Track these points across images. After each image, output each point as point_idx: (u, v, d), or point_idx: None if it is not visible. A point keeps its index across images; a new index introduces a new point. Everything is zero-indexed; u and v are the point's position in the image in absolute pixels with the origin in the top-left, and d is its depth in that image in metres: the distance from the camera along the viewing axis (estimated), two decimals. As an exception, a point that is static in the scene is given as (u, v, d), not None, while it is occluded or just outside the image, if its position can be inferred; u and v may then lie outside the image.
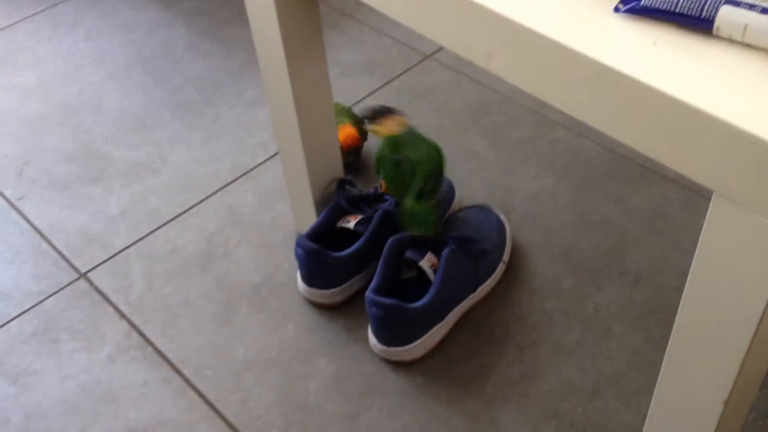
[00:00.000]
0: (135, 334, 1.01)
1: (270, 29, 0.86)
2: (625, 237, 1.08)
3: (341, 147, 1.13)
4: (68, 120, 1.33)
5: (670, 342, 0.64)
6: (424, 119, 1.28)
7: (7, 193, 1.21)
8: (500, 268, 1.03)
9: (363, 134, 1.19)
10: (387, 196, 1.03)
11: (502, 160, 1.20)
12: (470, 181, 1.17)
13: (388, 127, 0.97)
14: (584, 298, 1.01)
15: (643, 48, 0.54)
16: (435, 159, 0.97)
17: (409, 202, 0.95)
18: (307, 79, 0.92)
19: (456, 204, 1.12)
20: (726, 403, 0.61)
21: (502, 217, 1.06)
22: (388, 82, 1.36)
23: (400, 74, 1.37)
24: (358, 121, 1.18)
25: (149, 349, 0.99)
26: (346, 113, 1.18)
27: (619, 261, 1.05)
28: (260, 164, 1.23)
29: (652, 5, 0.55)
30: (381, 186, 1.05)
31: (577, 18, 0.57)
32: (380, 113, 0.98)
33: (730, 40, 0.54)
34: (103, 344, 1.00)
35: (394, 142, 0.96)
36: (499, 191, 1.16)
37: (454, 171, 1.19)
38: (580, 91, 0.57)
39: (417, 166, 0.95)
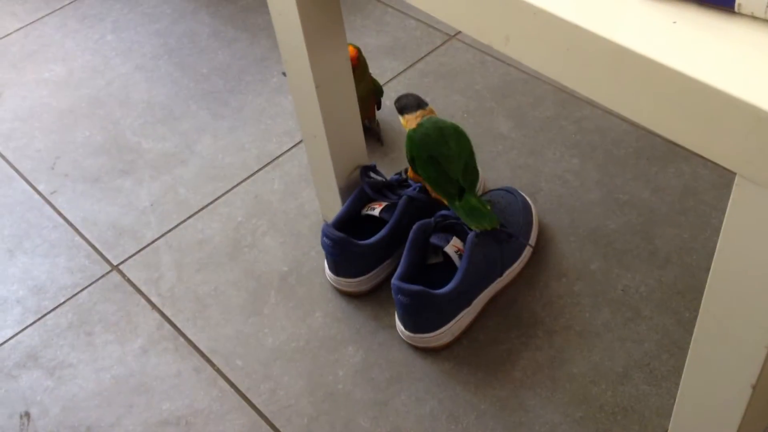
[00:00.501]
0: (167, 325, 1.03)
1: (290, 15, 0.85)
2: (653, 216, 1.07)
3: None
4: (97, 112, 1.34)
5: (696, 325, 0.63)
6: (449, 101, 1.27)
7: (41, 187, 1.23)
8: (527, 252, 1.02)
9: (378, 101, 1.21)
10: (411, 182, 1.03)
11: (527, 140, 1.19)
12: (495, 164, 1.16)
13: (413, 122, 0.97)
14: (613, 280, 1.00)
15: (662, 28, 0.53)
16: (466, 146, 0.96)
17: (463, 199, 0.94)
18: (329, 66, 0.92)
19: (481, 187, 1.11)
20: (754, 387, 0.60)
21: (528, 200, 1.05)
22: (412, 65, 1.35)
23: (424, 56, 1.36)
24: (376, 89, 1.19)
25: (181, 339, 1.01)
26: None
27: (648, 241, 1.04)
28: (286, 152, 1.23)
29: (671, -17, 0.54)
30: (407, 171, 1.04)
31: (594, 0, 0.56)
32: (407, 107, 0.97)
33: (753, 17, 0.52)
34: (136, 336, 1.02)
35: (424, 140, 0.95)
36: (524, 173, 1.14)
37: (479, 153, 1.18)
38: (600, 74, 0.56)
39: (455, 160, 0.94)
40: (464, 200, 0.94)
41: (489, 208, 0.95)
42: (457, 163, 0.95)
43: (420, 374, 0.94)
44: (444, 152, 0.94)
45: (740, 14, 0.52)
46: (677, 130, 0.53)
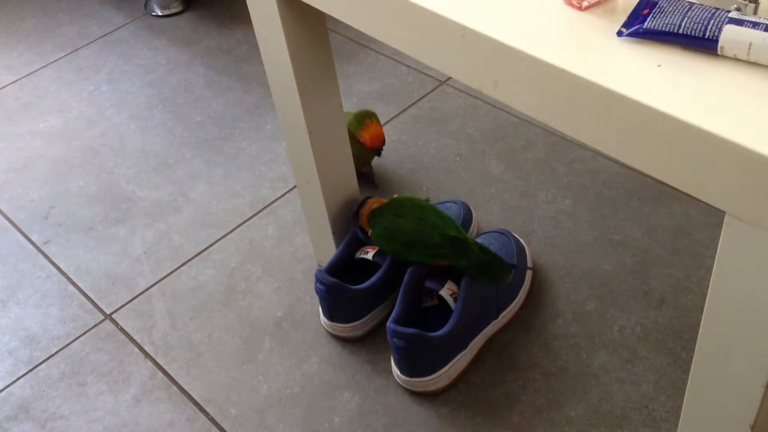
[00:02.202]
0: (160, 374, 1.02)
1: (282, 64, 0.87)
2: (647, 257, 1.07)
3: (366, 145, 1.14)
4: (92, 162, 1.35)
5: (693, 366, 0.62)
6: (441, 144, 1.28)
7: (34, 237, 1.23)
8: (522, 293, 1.02)
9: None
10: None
11: (520, 183, 1.20)
12: (489, 206, 1.17)
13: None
14: (608, 320, 1.00)
15: (648, 71, 0.54)
16: (419, 203, 0.97)
17: (469, 255, 0.94)
18: (321, 112, 0.93)
19: (475, 229, 1.11)
20: (753, 427, 0.60)
21: (522, 242, 1.06)
22: (404, 110, 1.36)
23: (416, 101, 1.38)
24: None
25: (174, 388, 1.00)
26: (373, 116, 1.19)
27: (643, 281, 1.04)
28: (280, 197, 1.24)
29: (655, 28, 0.55)
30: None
31: (580, 44, 0.57)
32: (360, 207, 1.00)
33: (736, 59, 0.53)
34: (129, 386, 1.01)
35: (386, 233, 0.95)
36: (518, 215, 1.15)
37: (472, 196, 1.19)
38: (587, 117, 0.56)
39: (427, 222, 0.95)
40: (471, 255, 0.93)
41: (492, 252, 0.95)
42: (431, 222, 0.94)
43: (417, 420, 0.93)
44: (410, 227, 0.94)
45: (723, 57, 0.53)
46: (666, 171, 0.53)
